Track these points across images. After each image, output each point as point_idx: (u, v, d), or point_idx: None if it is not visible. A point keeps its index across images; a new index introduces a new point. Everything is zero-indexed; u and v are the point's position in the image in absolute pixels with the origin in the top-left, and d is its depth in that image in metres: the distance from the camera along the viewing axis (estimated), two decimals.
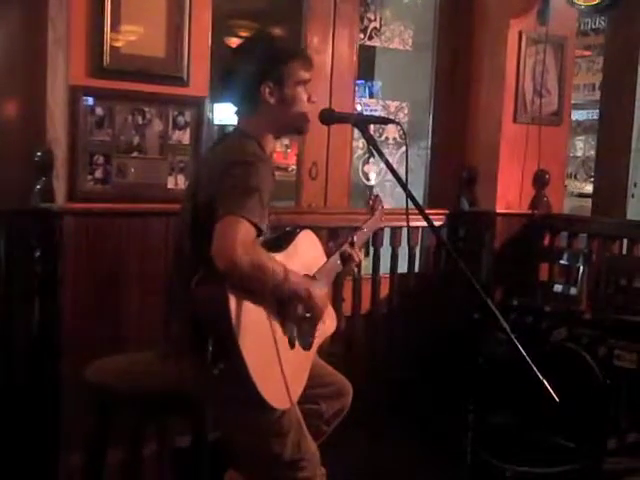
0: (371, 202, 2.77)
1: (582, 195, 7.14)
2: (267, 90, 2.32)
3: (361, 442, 3.54)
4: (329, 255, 2.52)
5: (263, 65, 2.33)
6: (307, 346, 2.41)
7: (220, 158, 2.27)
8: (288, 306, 2.27)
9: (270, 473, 2.30)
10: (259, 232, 2.10)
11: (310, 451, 2.33)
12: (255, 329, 2.13)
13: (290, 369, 2.26)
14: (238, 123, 2.42)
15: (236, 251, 2.01)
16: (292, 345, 2.32)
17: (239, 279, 2.06)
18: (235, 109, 2.44)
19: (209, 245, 2.06)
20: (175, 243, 2.43)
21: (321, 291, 2.35)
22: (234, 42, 5.47)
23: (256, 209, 2.09)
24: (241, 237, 2.04)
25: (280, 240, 2.37)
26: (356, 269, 2.67)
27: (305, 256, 2.42)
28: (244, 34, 5.86)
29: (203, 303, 2.11)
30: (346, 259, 2.55)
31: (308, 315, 2.35)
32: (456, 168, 4.43)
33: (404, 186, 2.19)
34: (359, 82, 4.52)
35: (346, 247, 2.55)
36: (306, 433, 2.33)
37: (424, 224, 2.21)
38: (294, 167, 4.68)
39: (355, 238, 2.59)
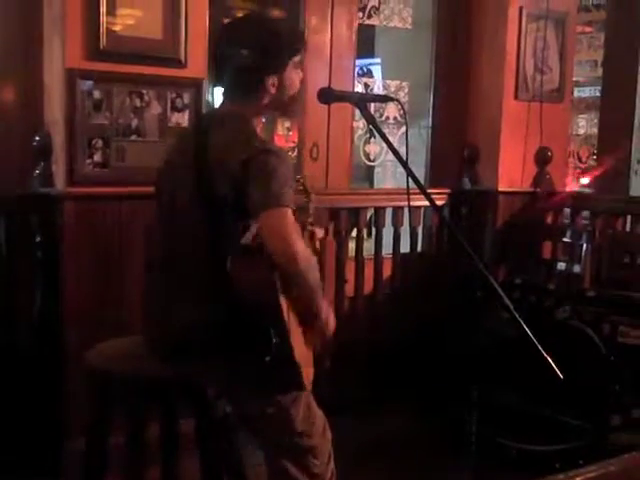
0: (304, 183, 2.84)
1: None
2: (271, 82, 2.30)
3: (365, 422, 3.54)
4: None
5: (268, 60, 2.29)
6: None
7: (235, 145, 2.20)
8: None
9: (280, 446, 2.31)
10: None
11: (318, 415, 2.35)
12: (290, 312, 2.16)
13: (307, 350, 2.29)
14: (232, 105, 2.34)
15: (297, 248, 2.08)
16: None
17: (295, 272, 2.10)
18: (225, 91, 2.38)
19: (233, 231, 2.12)
20: (177, 231, 2.33)
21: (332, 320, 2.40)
22: None
23: (291, 196, 2.14)
24: (294, 230, 2.11)
25: None
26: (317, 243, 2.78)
27: None
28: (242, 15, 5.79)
29: (249, 290, 2.10)
30: (311, 238, 2.61)
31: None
32: (457, 147, 4.40)
33: (405, 165, 2.17)
34: (358, 62, 4.48)
35: (308, 227, 2.59)
36: (312, 400, 2.34)
37: (426, 203, 2.20)
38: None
39: (311, 217, 2.66)
